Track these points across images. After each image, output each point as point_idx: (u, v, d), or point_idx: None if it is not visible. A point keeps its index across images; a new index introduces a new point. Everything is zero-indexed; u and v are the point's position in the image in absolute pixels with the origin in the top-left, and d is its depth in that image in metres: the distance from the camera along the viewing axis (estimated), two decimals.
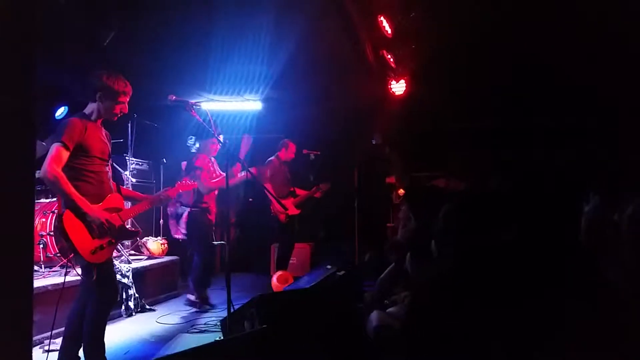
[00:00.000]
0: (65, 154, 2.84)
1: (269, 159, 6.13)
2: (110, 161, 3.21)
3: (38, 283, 4.03)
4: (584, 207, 2.09)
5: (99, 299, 3.04)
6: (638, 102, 4.91)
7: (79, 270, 4.32)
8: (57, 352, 3.27)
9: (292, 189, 6.17)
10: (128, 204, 3.64)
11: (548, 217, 2.31)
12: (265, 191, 5.65)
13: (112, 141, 3.32)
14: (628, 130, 4.79)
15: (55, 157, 2.80)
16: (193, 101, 3.87)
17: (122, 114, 3.17)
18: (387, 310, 2.47)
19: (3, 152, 1.71)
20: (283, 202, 5.88)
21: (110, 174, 3.20)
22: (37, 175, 2.59)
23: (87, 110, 3.11)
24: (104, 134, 3.17)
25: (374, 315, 2.35)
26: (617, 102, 5.22)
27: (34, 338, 3.73)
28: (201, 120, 3.82)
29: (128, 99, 3.17)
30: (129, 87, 3.14)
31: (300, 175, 6.56)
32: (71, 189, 2.83)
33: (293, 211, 6.06)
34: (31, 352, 1.87)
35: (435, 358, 1.54)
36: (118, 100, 3.08)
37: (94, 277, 3.01)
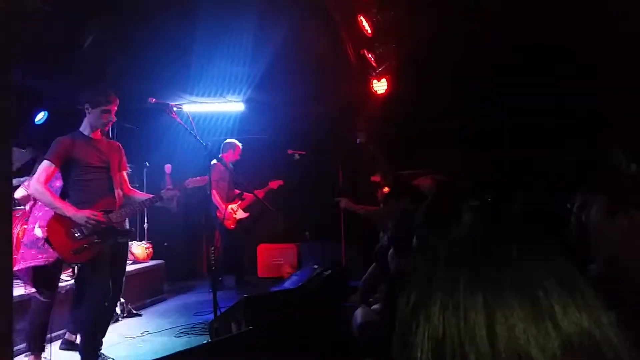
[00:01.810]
0: (51, 169, 3.19)
1: (212, 162, 5.97)
2: (109, 167, 3.42)
3: (20, 291, 3.97)
4: (572, 206, 2.14)
5: (88, 295, 3.27)
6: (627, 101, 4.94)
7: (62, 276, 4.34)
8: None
9: (237, 192, 6.02)
10: None
11: (531, 212, 2.34)
12: (215, 197, 5.60)
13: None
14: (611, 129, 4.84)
15: (41, 173, 3.17)
16: (174, 103, 3.87)
17: (109, 121, 3.43)
18: (372, 307, 2.48)
19: None
20: (230, 205, 5.83)
21: (114, 180, 3.42)
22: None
23: (81, 127, 3.40)
24: (103, 145, 3.46)
25: (359, 312, 2.37)
26: (603, 99, 5.27)
27: (17, 347, 3.67)
28: (182, 122, 3.81)
29: (114, 108, 3.42)
30: (112, 96, 3.40)
31: (282, 176, 6.51)
32: (55, 199, 3.17)
33: (240, 215, 5.98)
34: None
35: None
36: (103, 109, 3.35)
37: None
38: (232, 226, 5.88)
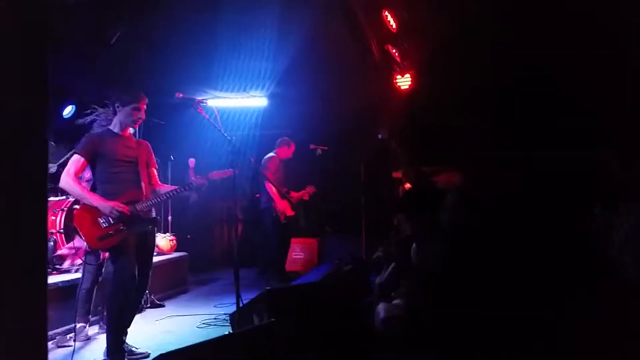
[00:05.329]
0: (80, 163, 3.37)
1: (269, 155, 5.93)
2: (138, 163, 3.54)
3: (48, 280, 4.09)
4: (594, 210, 2.12)
5: (114, 281, 3.40)
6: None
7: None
8: (68, 348, 3.51)
9: (285, 190, 5.90)
10: None
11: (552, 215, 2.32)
12: (271, 188, 5.57)
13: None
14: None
15: (70, 166, 3.35)
16: (199, 98, 3.92)
17: (139, 119, 3.56)
18: (394, 302, 2.50)
19: (18, 151, 1.74)
20: (282, 202, 5.80)
21: (142, 174, 3.53)
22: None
23: (111, 125, 3.55)
24: (132, 143, 3.60)
25: (381, 307, 2.39)
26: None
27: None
28: (207, 117, 3.85)
29: (144, 106, 3.55)
30: (142, 95, 3.55)
31: (304, 171, 6.53)
32: (84, 191, 3.37)
33: (290, 212, 5.95)
34: (46, 348, 1.90)
35: (440, 342, 1.56)
36: (134, 107, 3.49)
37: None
38: (284, 220, 5.85)
